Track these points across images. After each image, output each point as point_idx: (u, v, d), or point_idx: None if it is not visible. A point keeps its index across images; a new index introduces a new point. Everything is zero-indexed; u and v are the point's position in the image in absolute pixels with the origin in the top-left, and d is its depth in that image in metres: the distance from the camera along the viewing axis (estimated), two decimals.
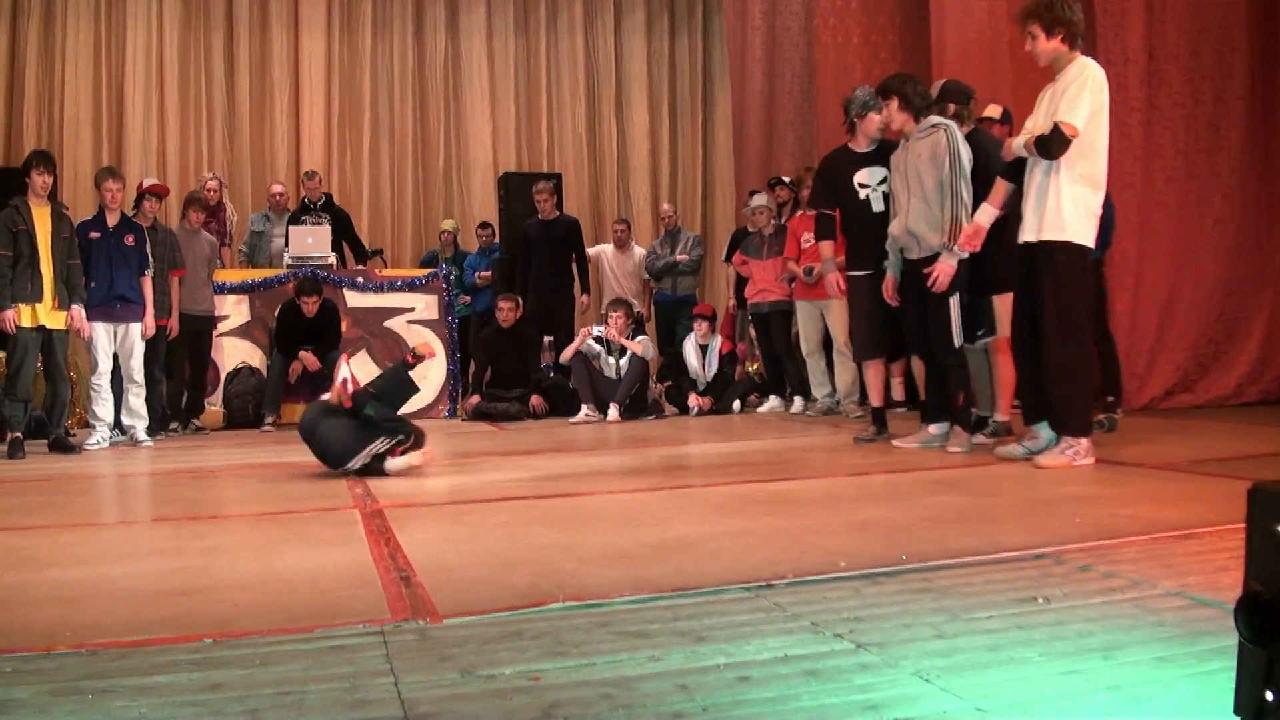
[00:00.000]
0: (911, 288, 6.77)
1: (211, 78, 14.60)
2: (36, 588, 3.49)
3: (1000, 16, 9.60)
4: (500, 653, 2.55)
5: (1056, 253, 5.71)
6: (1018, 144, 5.83)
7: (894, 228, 6.80)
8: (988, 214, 6.17)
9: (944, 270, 6.40)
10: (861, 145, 7.58)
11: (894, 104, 6.73)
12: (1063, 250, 5.70)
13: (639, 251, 12.85)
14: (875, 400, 7.72)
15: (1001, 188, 6.10)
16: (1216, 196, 8.95)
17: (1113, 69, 8.66)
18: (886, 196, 7.34)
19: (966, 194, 6.41)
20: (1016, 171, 5.98)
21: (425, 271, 12.01)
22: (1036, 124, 5.82)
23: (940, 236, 6.47)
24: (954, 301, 6.50)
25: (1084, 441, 5.80)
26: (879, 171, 7.43)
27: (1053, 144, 5.63)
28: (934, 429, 6.87)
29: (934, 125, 6.64)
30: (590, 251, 12.69)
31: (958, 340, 6.55)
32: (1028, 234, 5.87)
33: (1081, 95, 5.65)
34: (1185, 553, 3.42)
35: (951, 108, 6.94)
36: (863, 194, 7.49)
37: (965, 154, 6.48)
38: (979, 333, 6.91)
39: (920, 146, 6.62)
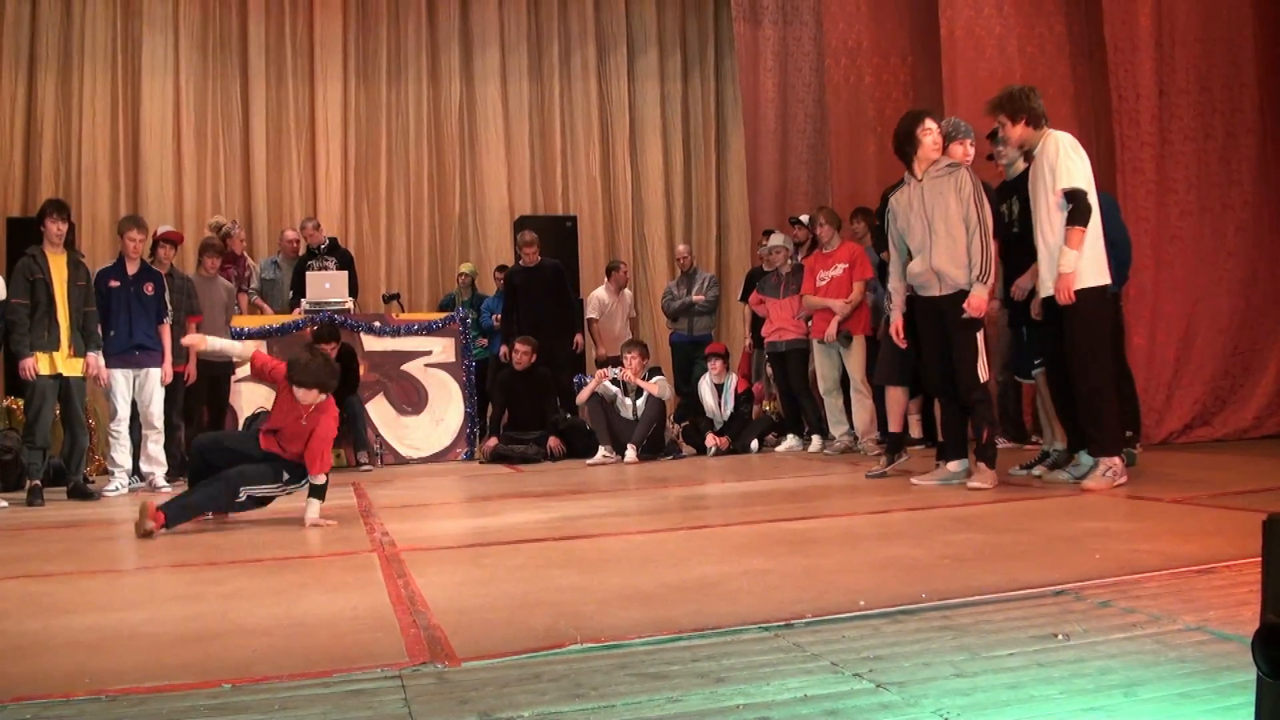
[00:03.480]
0: (933, 325, 6.78)
1: (229, 127, 14.70)
2: (56, 634, 3.49)
3: (1011, 54, 9.66)
4: (519, 695, 2.55)
5: (1077, 298, 6.14)
6: (1069, 260, 6.16)
7: (915, 266, 6.79)
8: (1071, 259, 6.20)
9: (979, 303, 6.51)
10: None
11: (938, 131, 6.85)
12: (1080, 294, 6.15)
13: (628, 295, 13.02)
14: (894, 426, 7.79)
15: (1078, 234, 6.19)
16: (1230, 229, 8.96)
17: (1124, 105, 8.72)
18: None
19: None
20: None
21: (442, 315, 12.05)
22: (1035, 199, 6.38)
23: (964, 272, 6.54)
24: (980, 335, 6.60)
25: (1117, 461, 6.19)
26: None
27: (1081, 212, 6.13)
28: (953, 466, 6.86)
29: (950, 166, 6.72)
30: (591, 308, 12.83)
31: (983, 375, 6.59)
32: (1047, 289, 6.32)
33: (1066, 157, 6.21)
34: (1205, 587, 3.40)
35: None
36: None
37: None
38: (1036, 362, 7.10)
39: (941, 185, 6.66)
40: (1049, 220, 6.23)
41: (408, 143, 15.50)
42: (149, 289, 9.00)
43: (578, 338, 12.32)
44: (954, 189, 6.60)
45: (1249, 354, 8.99)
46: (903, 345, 7.09)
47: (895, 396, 7.80)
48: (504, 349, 11.53)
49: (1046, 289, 6.30)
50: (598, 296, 12.91)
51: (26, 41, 13.79)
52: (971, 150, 7.30)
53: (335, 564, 4.86)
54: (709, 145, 16.82)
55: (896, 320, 7.08)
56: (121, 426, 8.84)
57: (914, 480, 7.04)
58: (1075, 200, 6.10)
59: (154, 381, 8.98)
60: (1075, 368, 6.26)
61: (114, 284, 8.87)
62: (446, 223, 15.61)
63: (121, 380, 8.82)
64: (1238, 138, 8.96)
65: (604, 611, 3.45)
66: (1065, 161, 6.16)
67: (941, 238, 6.61)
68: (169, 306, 9.18)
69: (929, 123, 6.81)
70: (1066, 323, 6.22)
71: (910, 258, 6.87)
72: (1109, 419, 6.27)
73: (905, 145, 6.83)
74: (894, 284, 7.07)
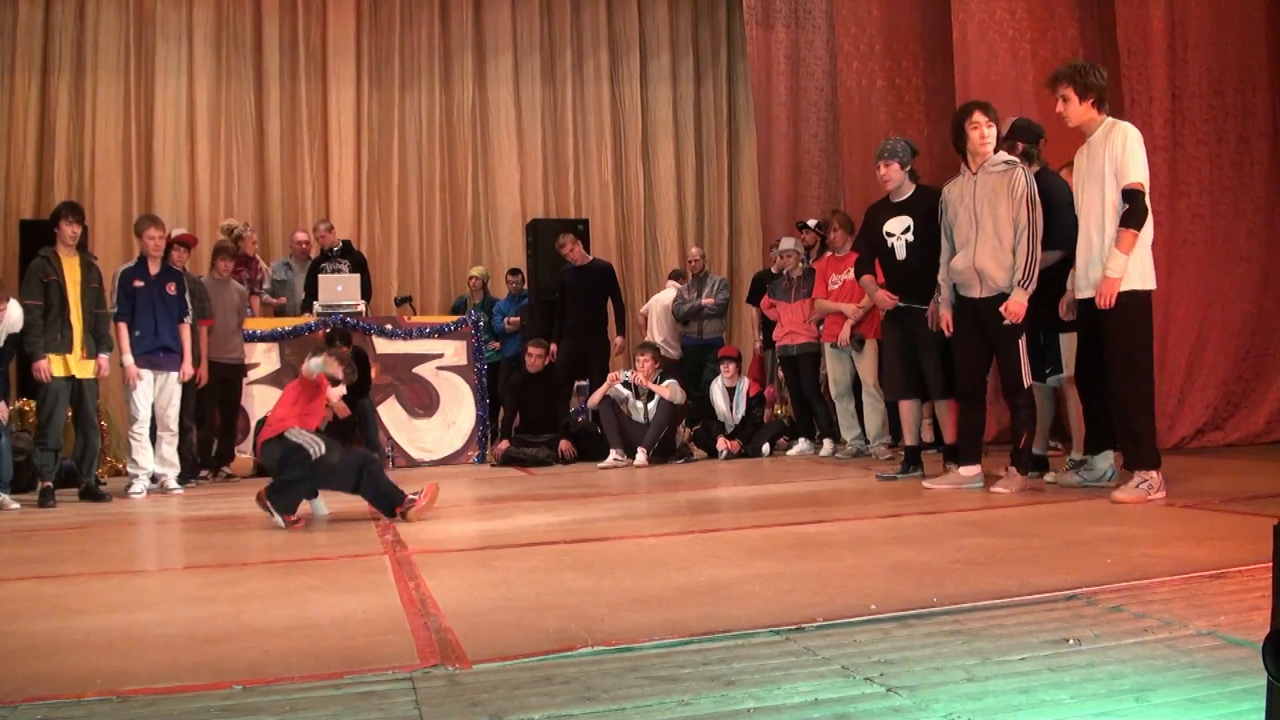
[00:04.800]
0: (970, 326, 6.73)
1: (242, 130, 14.74)
2: (67, 635, 3.50)
3: (1024, 57, 9.65)
4: (530, 698, 2.55)
5: (1122, 302, 5.84)
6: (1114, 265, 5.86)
7: (958, 262, 6.71)
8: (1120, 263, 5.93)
9: (1018, 308, 6.37)
10: (897, 194, 7.57)
11: (994, 130, 6.65)
12: (1128, 298, 5.84)
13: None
14: (909, 439, 7.77)
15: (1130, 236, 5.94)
16: (1242, 234, 8.94)
17: (1137, 108, 8.71)
18: (909, 245, 7.39)
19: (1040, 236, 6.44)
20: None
21: (454, 318, 12.06)
22: (1085, 190, 6.06)
23: (1007, 275, 6.45)
24: (1022, 341, 6.50)
25: (1155, 475, 5.87)
26: (904, 220, 7.47)
27: (1137, 215, 5.79)
28: (966, 471, 6.83)
29: (1007, 163, 6.56)
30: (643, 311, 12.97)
31: (1027, 380, 6.54)
32: (1086, 289, 6.05)
33: (1133, 152, 5.84)
34: (1217, 592, 3.39)
35: (1020, 146, 6.95)
36: (889, 243, 7.54)
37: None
38: (1046, 370, 7.03)
39: (993, 181, 6.55)
40: (1103, 216, 5.93)
41: (420, 146, 15.55)
42: (171, 289, 9.04)
43: (618, 340, 12.32)
44: (1007, 188, 6.47)
45: (1261, 358, 8.97)
46: (948, 332, 6.99)
47: (908, 410, 7.81)
48: (553, 346, 11.59)
49: (1086, 289, 6.06)
50: (668, 298, 13.02)
51: (39, 45, 13.85)
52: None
53: (347, 566, 4.87)
54: (721, 148, 16.84)
55: (945, 315, 6.91)
56: (143, 429, 8.85)
57: (926, 484, 7.03)
58: (1133, 201, 5.79)
59: (174, 384, 9.01)
60: (1114, 375, 5.96)
61: (138, 284, 8.89)
62: (459, 226, 15.64)
63: (145, 382, 8.84)
64: (1250, 142, 8.95)
65: (615, 614, 3.45)
66: (1134, 156, 5.84)
67: (988, 236, 6.52)
68: (189, 306, 9.21)
69: (977, 116, 6.63)
70: (1107, 326, 5.94)
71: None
72: (1147, 430, 5.98)
73: (957, 138, 6.73)
74: (944, 276, 6.89)
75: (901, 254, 7.49)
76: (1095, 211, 5.98)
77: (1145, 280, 5.92)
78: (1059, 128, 6.53)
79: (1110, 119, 6.05)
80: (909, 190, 7.54)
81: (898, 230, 7.54)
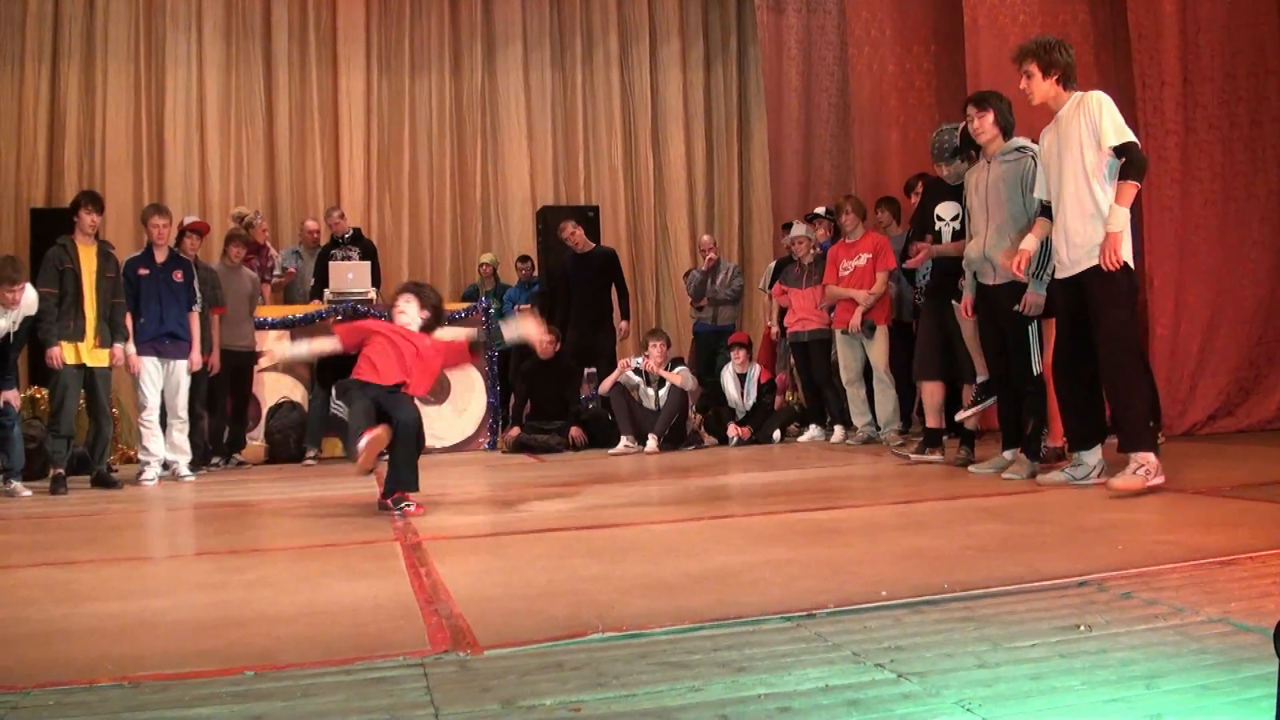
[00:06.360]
0: (985, 314, 6.76)
1: (252, 117, 14.73)
2: (79, 621, 3.51)
3: None
4: (541, 684, 2.55)
5: (1107, 275, 5.65)
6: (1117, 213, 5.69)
7: (971, 250, 6.74)
8: (1031, 244, 6.10)
9: (1036, 299, 6.35)
10: (956, 178, 7.50)
11: (989, 117, 6.61)
12: (1113, 272, 5.65)
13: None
14: (930, 421, 7.76)
15: (1043, 224, 6.07)
16: (1254, 219, 8.89)
17: (1149, 93, 8.66)
18: (955, 233, 7.35)
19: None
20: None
21: (465, 305, 12.06)
22: (1058, 165, 5.89)
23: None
24: (1032, 329, 6.51)
25: (1152, 458, 5.64)
26: (954, 207, 7.41)
27: (1138, 165, 5.63)
28: (1008, 454, 6.85)
29: (1020, 149, 6.54)
30: None
31: (1036, 368, 6.54)
32: (1079, 266, 5.80)
33: (1111, 114, 5.69)
34: (1228, 579, 3.39)
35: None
36: (937, 225, 7.50)
37: None
38: None
39: (1004, 170, 6.55)
40: (1088, 183, 5.71)
41: (430, 133, 15.52)
42: (178, 276, 9.03)
43: (623, 324, 12.30)
44: (1018, 177, 6.47)
45: (1273, 344, 8.92)
46: (970, 318, 7.01)
47: (932, 391, 7.77)
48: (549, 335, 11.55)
49: (1070, 268, 5.84)
50: None
51: (49, 33, 13.84)
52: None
53: (358, 552, 4.87)
54: (732, 135, 16.78)
55: (966, 299, 6.93)
56: (153, 417, 8.84)
57: (972, 469, 7.03)
58: (1130, 153, 5.59)
59: (181, 371, 9.00)
60: (1104, 355, 5.74)
61: (143, 272, 8.89)
62: (468, 214, 15.63)
63: (151, 369, 8.83)
64: (1263, 126, 8.89)
65: (625, 601, 3.45)
66: (1113, 118, 5.65)
67: (996, 226, 6.53)
68: (198, 294, 9.21)
69: (969, 110, 6.71)
70: (1094, 304, 5.73)
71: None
72: (1142, 412, 5.80)
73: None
74: (967, 261, 6.89)
75: (946, 240, 7.47)
76: (1076, 182, 5.78)
77: (1128, 251, 5.75)
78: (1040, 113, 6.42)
79: (1079, 92, 5.92)
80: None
81: (947, 215, 7.49)
